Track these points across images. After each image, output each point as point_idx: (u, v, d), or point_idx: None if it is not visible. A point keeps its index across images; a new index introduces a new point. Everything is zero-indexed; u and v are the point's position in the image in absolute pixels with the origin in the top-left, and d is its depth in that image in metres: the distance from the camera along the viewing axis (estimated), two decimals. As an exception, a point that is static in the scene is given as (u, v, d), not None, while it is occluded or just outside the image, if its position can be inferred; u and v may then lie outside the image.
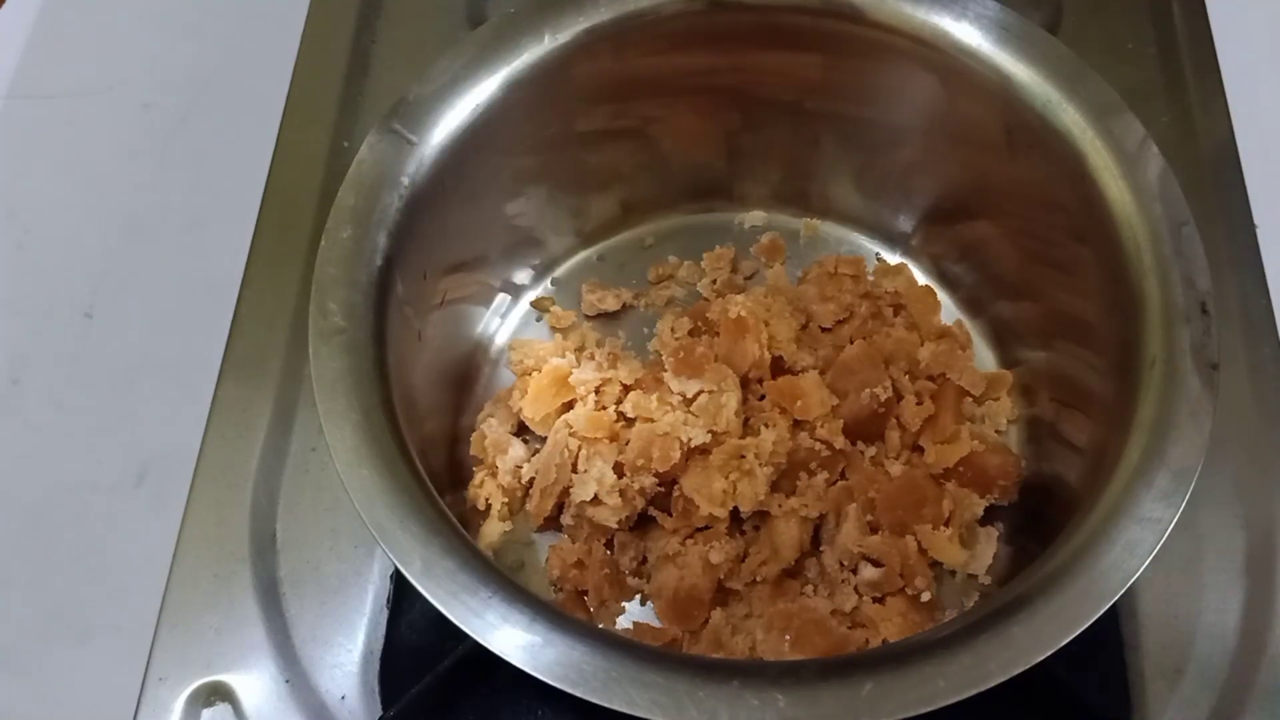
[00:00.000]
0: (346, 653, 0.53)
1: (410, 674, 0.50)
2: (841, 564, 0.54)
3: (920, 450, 0.57)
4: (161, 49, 0.80)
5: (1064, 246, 0.54)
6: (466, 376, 0.61)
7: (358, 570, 0.55)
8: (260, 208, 0.64)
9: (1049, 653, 0.39)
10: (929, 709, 0.37)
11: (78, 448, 0.66)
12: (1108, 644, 0.52)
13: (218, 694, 0.52)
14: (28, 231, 0.74)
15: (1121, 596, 0.40)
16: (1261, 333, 0.60)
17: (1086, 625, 0.39)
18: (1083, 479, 0.50)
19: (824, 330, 0.61)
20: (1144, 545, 0.41)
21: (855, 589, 0.53)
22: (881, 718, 0.37)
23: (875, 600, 0.53)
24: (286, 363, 0.60)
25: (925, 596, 0.53)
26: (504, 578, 0.41)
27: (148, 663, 0.53)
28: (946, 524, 0.54)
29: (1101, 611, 0.39)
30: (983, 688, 0.38)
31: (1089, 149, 0.49)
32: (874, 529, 0.54)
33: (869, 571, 0.53)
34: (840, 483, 0.55)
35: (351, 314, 0.46)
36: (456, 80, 0.51)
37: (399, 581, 0.55)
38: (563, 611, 0.40)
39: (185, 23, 0.81)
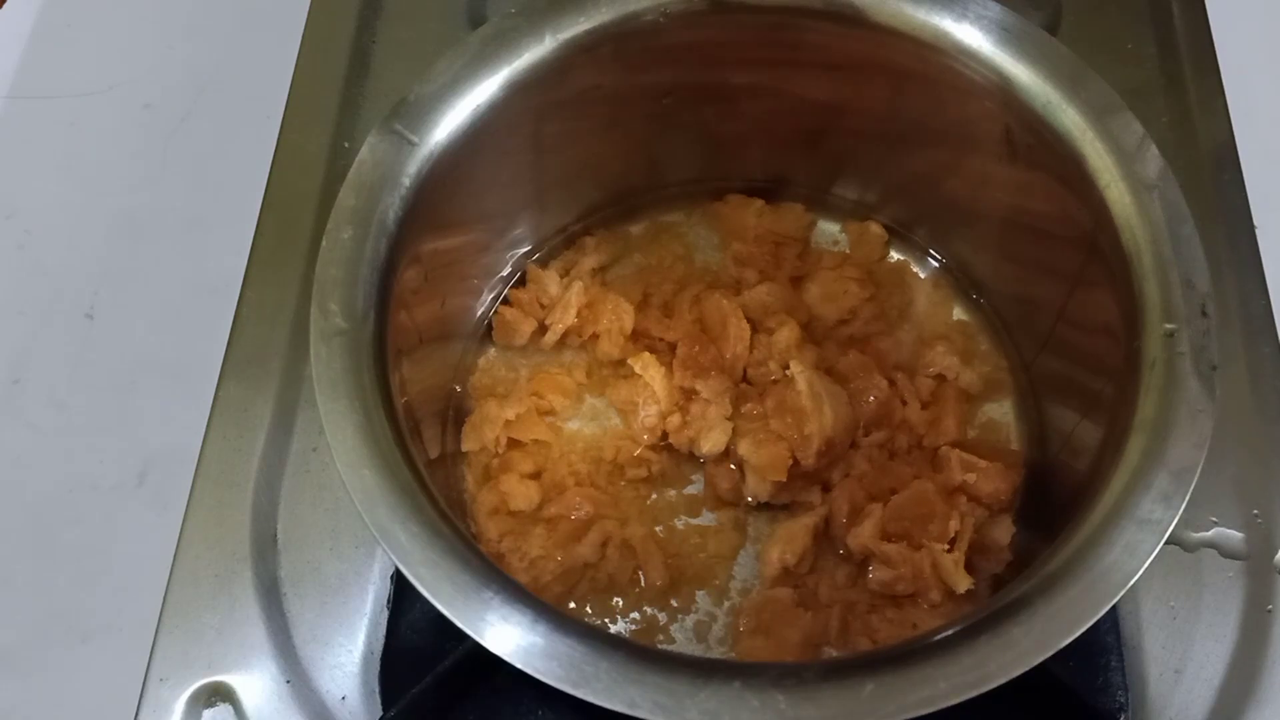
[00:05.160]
0: (347, 653, 0.53)
1: (411, 674, 0.50)
2: (853, 561, 0.54)
3: (925, 455, 0.57)
4: (161, 49, 0.80)
5: (1064, 247, 0.54)
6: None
7: (358, 570, 0.55)
8: (261, 208, 0.64)
9: (1049, 654, 0.39)
10: (930, 710, 0.37)
11: (78, 448, 0.66)
12: (1108, 644, 0.52)
13: (218, 694, 0.52)
14: (28, 232, 0.74)
15: (1121, 596, 0.40)
16: (1261, 333, 0.60)
17: (1087, 626, 0.39)
18: (1083, 479, 0.50)
19: (825, 330, 0.61)
20: (1144, 546, 0.41)
21: (866, 588, 0.53)
22: (882, 719, 0.37)
23: (883, 602, 0.53)
24: (287, 363, 0.60)
25: (935, 604, 0.52)
26: (506, 578, 0.41)
27: (148, 663, 0.53)
28: (951, 545, 0.53)
29: (1102, 613, 0.39)
30: (984, 689, 0.38)
31: (1089, 150, 0.49)
32: (886, 535, 0.54)
33: (881, 572, 0.53)
34: (851, 476, 0.56)
35: (352, 315, 0.46)
36: (457, 80, 0.51)
37: (399, 581, 0.55)
38: (564, 612, 0.40)
39: (185, 23, 0.81)
